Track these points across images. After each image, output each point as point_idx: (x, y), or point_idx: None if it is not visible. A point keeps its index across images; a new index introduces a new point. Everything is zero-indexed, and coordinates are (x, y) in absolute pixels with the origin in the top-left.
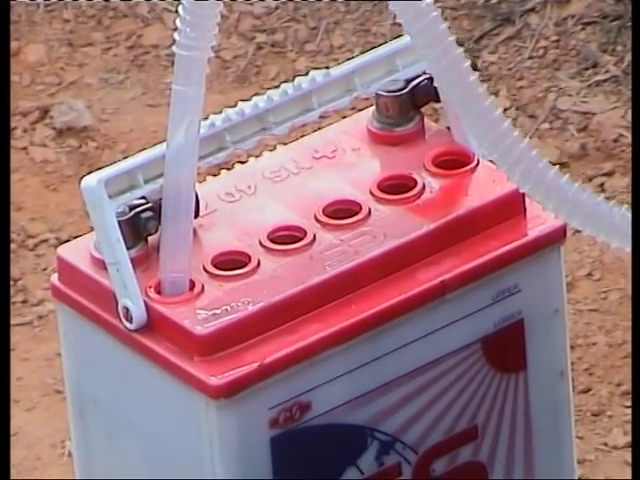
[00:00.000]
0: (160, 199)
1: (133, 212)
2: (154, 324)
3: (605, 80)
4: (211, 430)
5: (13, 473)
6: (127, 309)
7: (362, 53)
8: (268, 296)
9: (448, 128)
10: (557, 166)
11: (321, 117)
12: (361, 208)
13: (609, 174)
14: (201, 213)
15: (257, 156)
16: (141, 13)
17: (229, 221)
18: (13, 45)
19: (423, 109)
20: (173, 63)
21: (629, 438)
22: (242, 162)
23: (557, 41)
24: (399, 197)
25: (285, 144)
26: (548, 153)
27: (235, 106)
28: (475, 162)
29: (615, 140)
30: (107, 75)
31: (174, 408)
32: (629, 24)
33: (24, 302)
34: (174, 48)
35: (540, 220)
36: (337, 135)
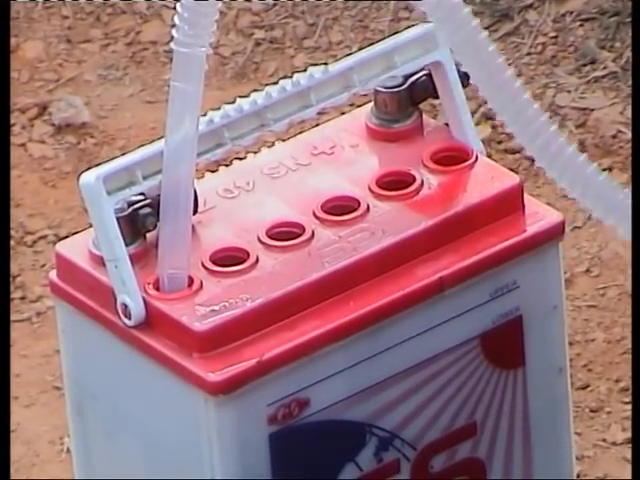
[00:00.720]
0: (158, 195)
1: (131, 208)
2: (153, 321)
3: (603, 76)
4: (210, 426)
5: (11, 470)
6: (126, 305)
7: (360, 49)
8: (266, 292)
9: (446, 124)
10: None
11: (319, 113)
12: (359, 204)
13: (607, 170)
14: (199, 209)
15: (255, 152)
16: (139, 10)
17: (227, 217)
18: (12, 42)
19: (421, 105)
20: (172, 60)
21: (628, 434)
22: (240, 158)
23: (555, 37)
24: (397, 193)
25: (283, 140)
26: None
27: (233, 102)
28: (473, 158)
29: (613, 136)
30: (106, 72)
31: (173, 404)
32: (627, 20)
33: (22, 298)
34: (172, 45)
35: (539, 216)
36: (335, 131)
